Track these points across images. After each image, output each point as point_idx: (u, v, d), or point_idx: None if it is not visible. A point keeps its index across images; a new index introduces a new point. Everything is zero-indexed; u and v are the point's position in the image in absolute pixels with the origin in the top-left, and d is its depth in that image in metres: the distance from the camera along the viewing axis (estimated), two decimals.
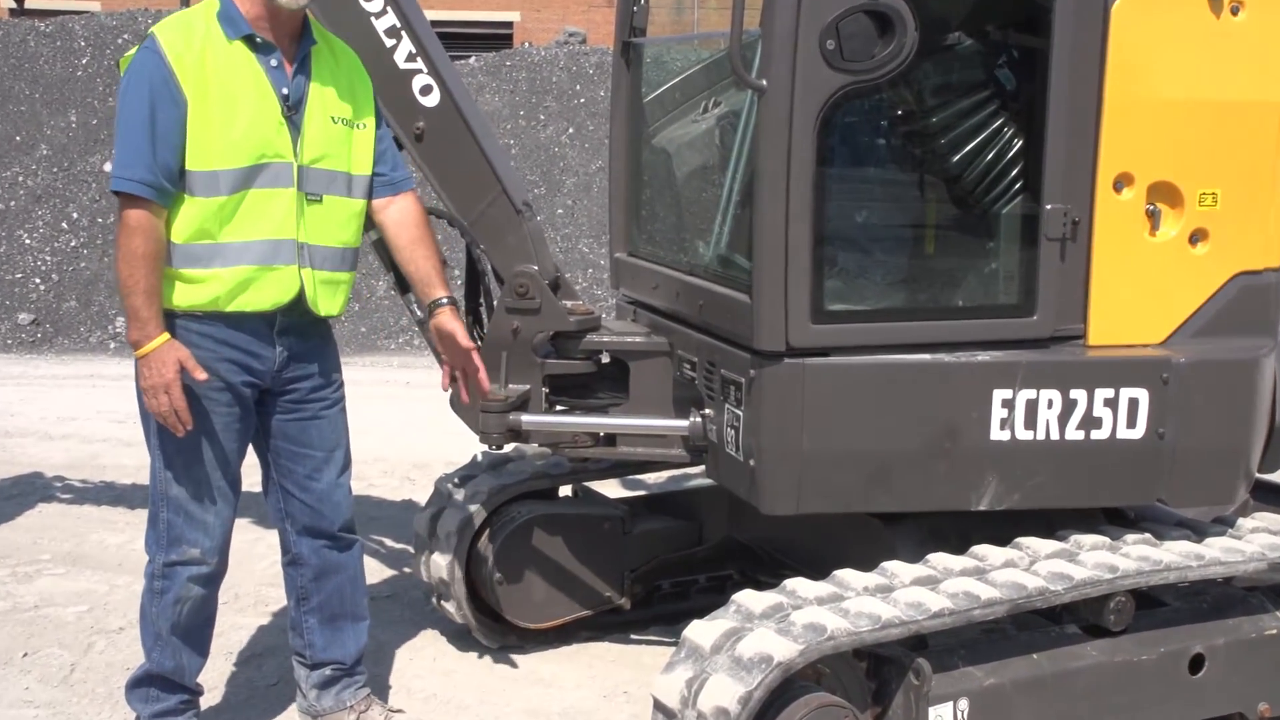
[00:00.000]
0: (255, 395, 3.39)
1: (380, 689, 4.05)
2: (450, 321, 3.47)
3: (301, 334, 3.41)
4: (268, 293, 3.26)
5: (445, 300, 3.48)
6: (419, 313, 3.89)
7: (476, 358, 3.50)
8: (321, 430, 3.52)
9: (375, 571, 5.10)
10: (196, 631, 3.45)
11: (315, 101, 3.28)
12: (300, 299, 3.31)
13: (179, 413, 3.19)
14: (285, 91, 3.22)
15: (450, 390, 3.68)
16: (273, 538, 3.66)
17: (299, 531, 3.60)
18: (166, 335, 3.17)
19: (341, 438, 3.59)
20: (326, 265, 3.35)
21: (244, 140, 3.16)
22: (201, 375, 3.20)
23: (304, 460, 3.52)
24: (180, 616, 3.40)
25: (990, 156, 3.45)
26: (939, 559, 3.38)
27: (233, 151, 3.16)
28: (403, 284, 3.84)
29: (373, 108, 3.41)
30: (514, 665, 4.24)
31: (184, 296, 3.20)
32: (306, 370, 3.45)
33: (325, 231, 3.33)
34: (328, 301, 3.37)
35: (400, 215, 3.48)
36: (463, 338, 3.47)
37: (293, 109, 3.23)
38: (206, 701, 3.78)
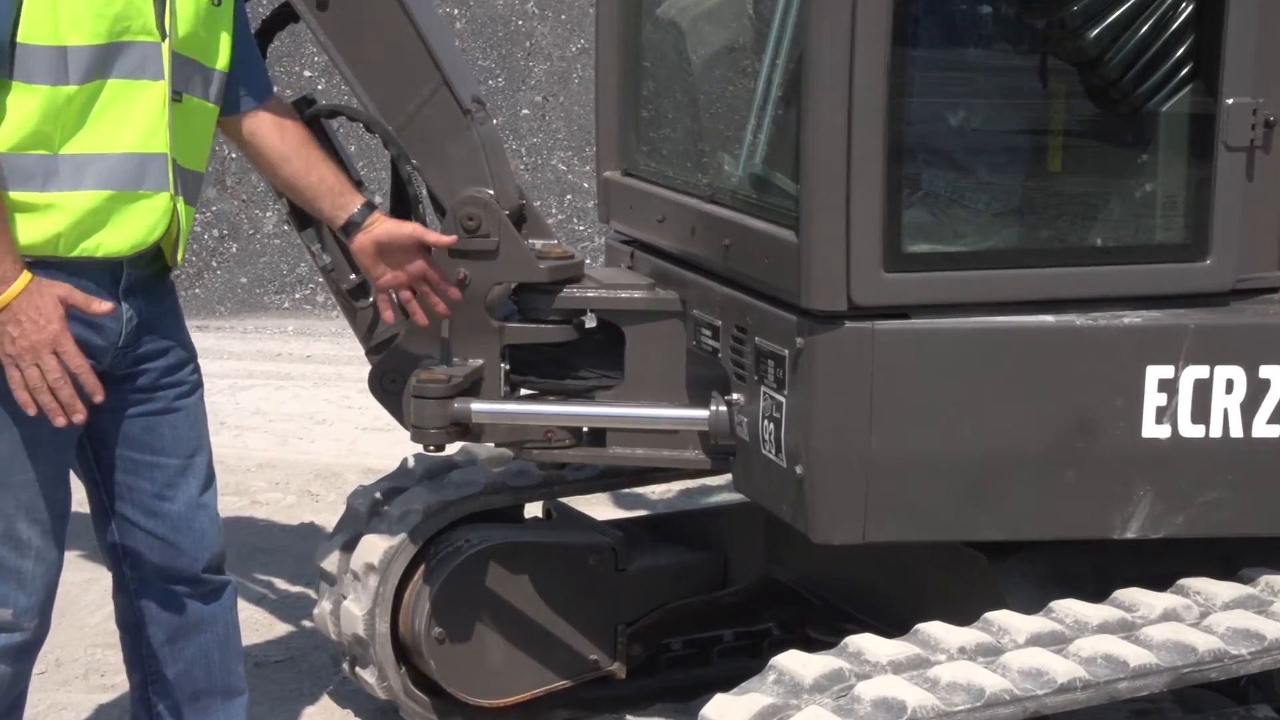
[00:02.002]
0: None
1: None
2: (385, 224, 3.59)
3: (151, 293, 3.42)
4: (129, 230, 3.27)
5: (370, 206, 3.59)
6: (324, 256, 3.87)
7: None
8: (176, 429, 3.53)
9: (260, 627, 5.10)
10: None
11: None
12: (162, 242, 3.33)
13: (81, 378, 3.16)
14: None
15: (381, 337, 3.73)
16: (110, 579, 3.65)
17: (145, 575, 3.60)
18: (28, 274, 3.16)
19: (203, 438, 3.60)
20: (191, 197, 3.39)
21: (104, 4, 3.16)
22: (104, 307, 3.21)
23: (152, 473, 3.52)
24: None
25: (1145, 30, 3.44)
26: (1067, 608, 3.38)
27: (87, 19, 3.15)
28: (301, 217, 3.82)
29: None
30: None
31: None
32: (159, 344, 3.46)
33: (187, 145, 3.35)
34: (180, 248, 3.42)
35: (275, 118, 3.55)
36: (408, 229, 3.60)
37: None
38: None
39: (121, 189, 3.24)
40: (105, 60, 3.18)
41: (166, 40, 3.25)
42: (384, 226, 3.59)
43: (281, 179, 3.60)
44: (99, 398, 3.21)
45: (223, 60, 3.42)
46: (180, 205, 3.34)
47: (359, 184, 3.89)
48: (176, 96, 3.30)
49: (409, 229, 3.62)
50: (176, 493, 3.55)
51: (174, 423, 3.52)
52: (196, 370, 3.59)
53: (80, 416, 3.20)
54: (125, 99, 3.22)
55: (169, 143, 3.28)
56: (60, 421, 3.19)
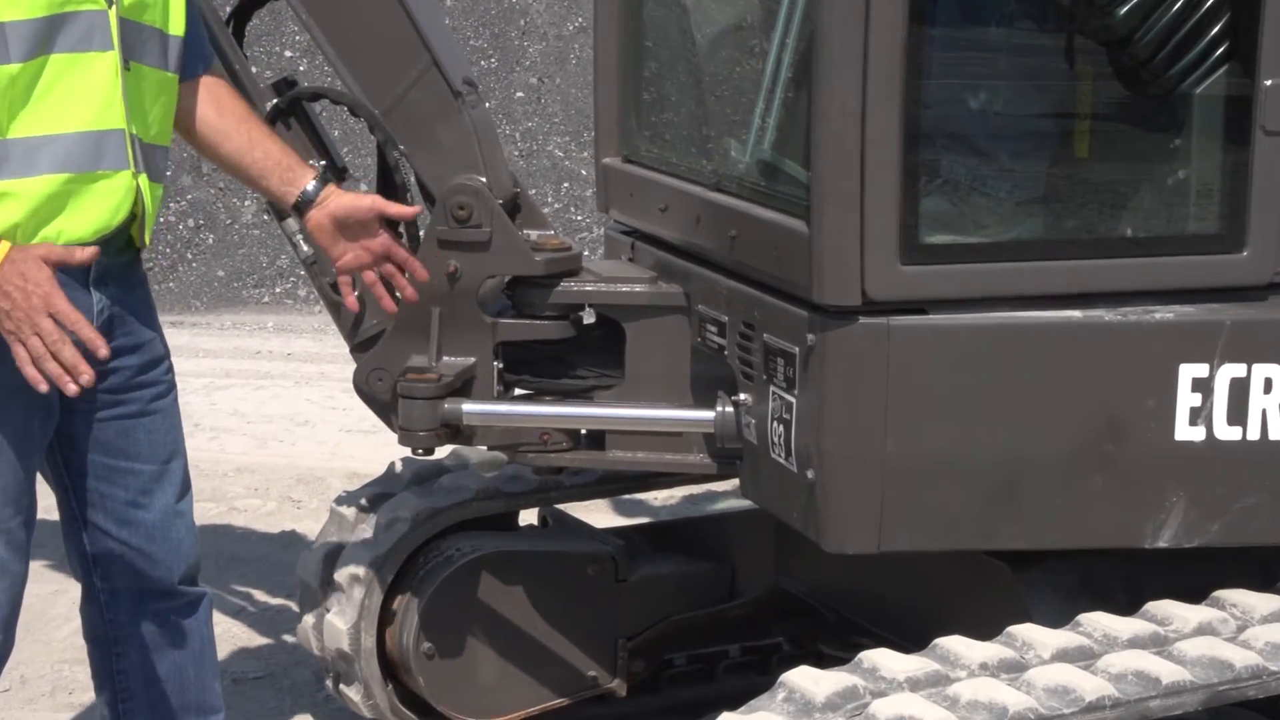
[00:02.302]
0: None
1: None
2: (342, 198, 3.54)
3: (124, 281, 3.42)
4: (91, 214, 3.26)
5: (324, 179, 3.55)
6: (306, 248, 3.86)
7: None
8: (152, 433, 3.53)
9: (238, 641, 5.10)
10: None
11: None
12: (130, 223, 3.33)
13: (81, 333, 3.09)
14: None
15: (367, 333, 3.74)
16: (78, 591, 3.65)
17: (117, 587, 3.60)
18: (4, 243, 3.15)
19: (180, 441, 3.60)
20: (158, 176, 3.39)
21: None
22: (87, 253, 3.18)
23: (125, 479, 3.52)
24: None
25: (1178, 7, 3.43)
26: (1095, 622, 3.37)
27: None
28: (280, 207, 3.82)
29: None
30: None
31: None
32: (133, 339, 3.46)
33: (144, 118, 3.34)
34: (149, 227, 3.41)
35: (210, 92, 3.53)
36: (366, 202, 3.56)
37: None
38: None
39: (79, 171, 3.22)
40: (48, 34, 3.16)
41: (113, 6, 3.23)
42: (340, 200, 3.55)
43: (223, 158, 3.56)
44: (103, 352, 3.15)
45: (177, 25, 3.40)
46: (144, 182, 3.32)
47: (343, 171, 3.89)
48: (128, 66, 3.28)
49: (368, 201, 3.58)
50: (152, 500, 3.55)
51: (149, 426, 3.52)
52: (171, 369, 3.59)
53: (88, 378, 3.13)
54: (74, 74, 3.20)
55: (125, 117, 3.26)
56: (71, 389, 3.13)
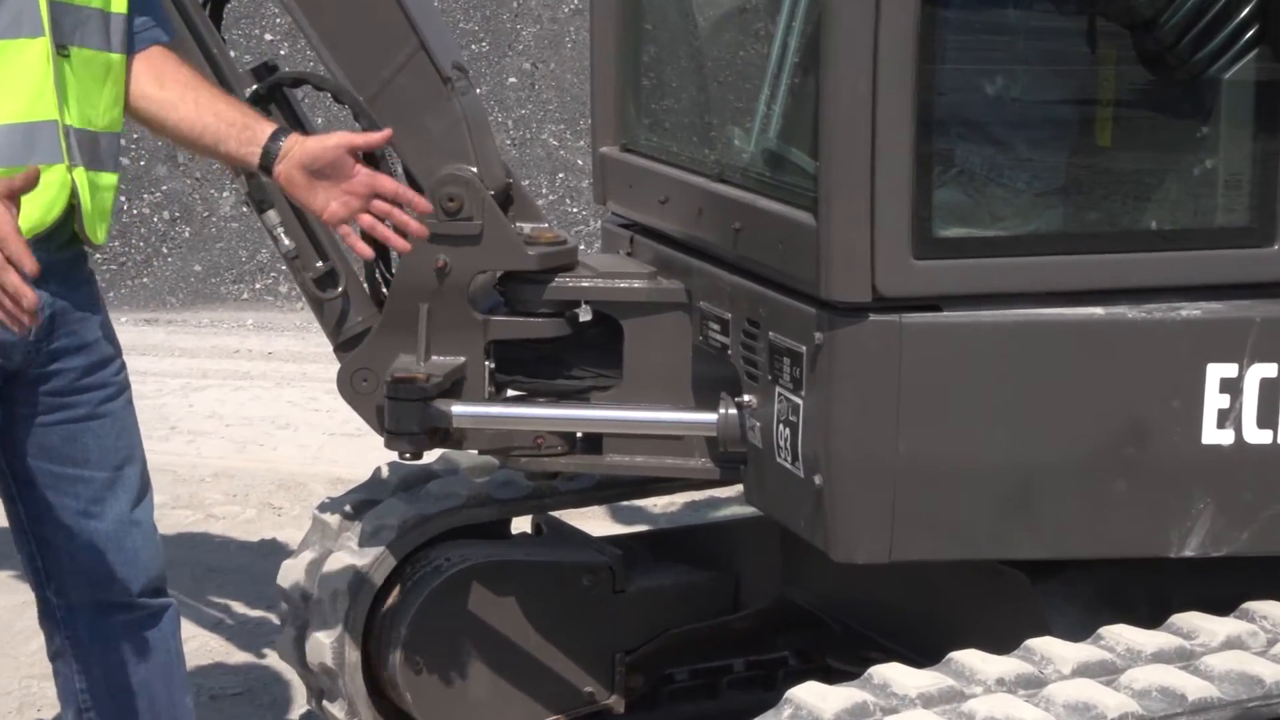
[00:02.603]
0: None
1: None
2: (307, 144, 3.42)
3: (68, 278, 3.40)
4: (24, 211, 3.21)
5: (283, 130, 3.45)
6: (287, 241, 3.86)
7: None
8: (102, 438, 3.51)
9: (216, 656, 5.10)
10: None
11: None
12: (70, 218, 3.31)
13: (8, 249, 2.91)
14: None
15: (352, 331, 3.73)
16: None
17: (73, 602, 3.58)
18: None
19: (134, 446, 3.58)
20: (100, 162, 3.36)
21: None
22: (31, 175, 3.04)
23: (75, 487, 3.50)
24: None
25: None
26: (1118, 635, 3.37)
27: None
28: (262, 197, 3.81)
29: None
30: None
31: None
32: (77, 339, 3.44)
33: (87, 105, 3.32)
34: (100, 222, 3.38)
35: (149, 65, 3.46)
36: (333, 140, 3.44)
37: None
38: None
39: (8, 165, 3.18)
40: None
41: None
42: (305, 147, 3.43)
43: (172, 131, 3.51)
44: (29, 267, 2.94)
45: (119, 1, 3.37)
46: (81, 176, 3.29)
47: None
48: (63, 51, 3.25)
49: (334, 139, 3.44)
50: (104, 509, 3.53)
51: (99, 431, 3.50)
52: (122, 369, 3.56)
53: (30, 300, 2.93)
54: (1, 62, 3.19)
55: (58, 107, 3.24)
56: (16, 328, 2.99)
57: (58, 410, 3.45)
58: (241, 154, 3.47)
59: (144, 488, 3.61)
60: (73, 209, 3.30)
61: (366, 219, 3.49)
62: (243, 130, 3.45)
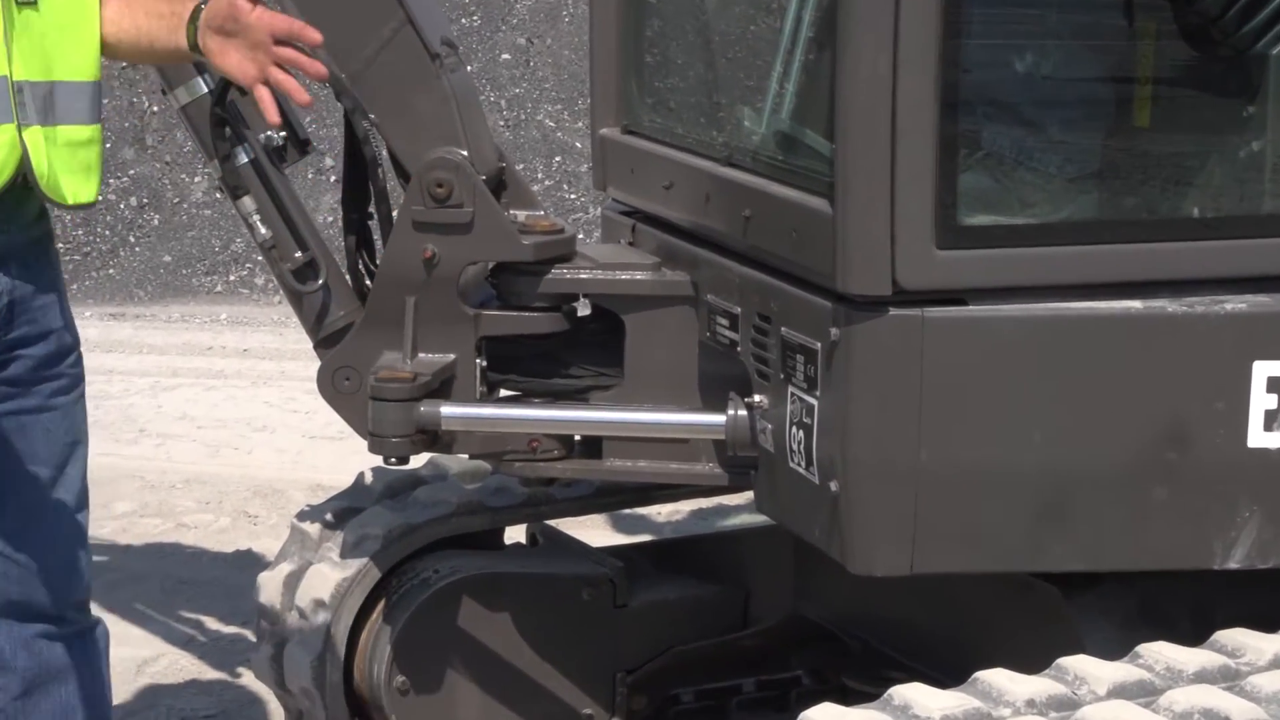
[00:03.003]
0: None
1: None
2: (213, 4, 3.38)
3: (28, 261, 3.41)
4: None
5: (204, 4, 3.40)
6: (264, 229, 3.86)
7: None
8: (50, 430, 3.52)
9: (186, 675, 5.10)
10: None
11: None
12: (23, 181, 3.30)
13: None
14: None
15: (333, 326, 3.72)
16: None
17: None
18: None
19: (79, 446, 3.58)
20: (64, 116, 3.35)
21: None
22: None
23: (15, 484, 3.50)
24: None
25: None
26: (1158, 653, 3.37)
27: None
28: (236, 183, 3.82)
29: None
30: None
31: None
32: (37, 328, 3.44)
33: (50, 56, 3.33)
34: (75, 180, 3.38)
35: None
36: None
37: None
38: None
39: None
40: None
41: None
42: (213, 6, 3.38)
43: (125, 49, 3.50)
44: None
45: None
46: (35, 134, 3.29)
47: (305, 144, 3.89)
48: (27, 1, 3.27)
49: None
50: (43, 510, 3.53)
51: (48, 424, 3.51)
52: (79, 361, 3.58)
53: None
54: None
55: (6, 60, 3.25)
56: None
57: (9, 400, 3.46)
58: (174, 43, 3.46)
59: (84, 491, 3.61)
60: (20, 174, 3.28)
61: (276, 74, 3.40)
62: (170, 18, 3.45)
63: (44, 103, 3.31)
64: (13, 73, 3.26)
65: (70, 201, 3.39)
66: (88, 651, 3.66)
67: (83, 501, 3.61)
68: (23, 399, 3.47)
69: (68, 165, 3.36)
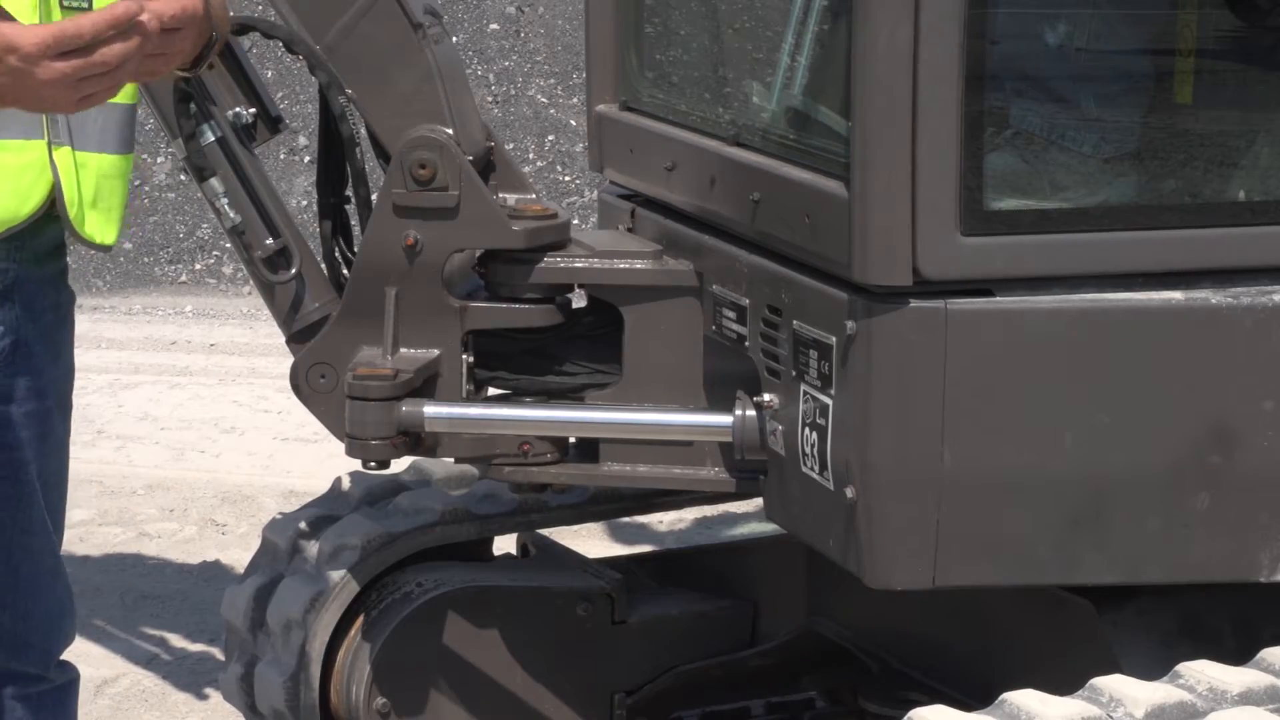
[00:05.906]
0: None
1: None
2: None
3: (38, 301, 3.39)
4: None
5: None
6: (232, 213, 3.87)
7: None
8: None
9: (150, 697, 5.11)
10: None
11: None
12: (52, 212, 3.30)
13: None
14: None
15: (308, 319, 3.75)
16: None
17: None
18: None
19: (63, 466, 3.57)
20: (94, 141, 3.35)
21: None
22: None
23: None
24: None
25: None
26: (1199, 672, 3.37)
27: None
28: (201, 163, 3.82)
29: None
30: None
31: None
32: (35, 380, 3.40)
33: None
34: (98, 216, 3.37)
35: None
36: None
37: None
38: None
39: None
40: None
41: None
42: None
43: None
44: None
45: None
46: (66, 156, 3.28)
47: (278, 121, 3.89)
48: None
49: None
50: (32, 544, 3.50)
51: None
52: (69, 415, 3.57)
53: None
54: None
55: None
56: None
57: None
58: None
59: (60, 528, 3.60)
60: (51, 201, 3.27)
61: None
62: None
63: (76, 121, 3.28)
64: None
65: (96, 240, 3.37)
66: (62, 709, 3.64)
67: (59, 535, 3.60)
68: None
69: (96, 197, 3.35)
